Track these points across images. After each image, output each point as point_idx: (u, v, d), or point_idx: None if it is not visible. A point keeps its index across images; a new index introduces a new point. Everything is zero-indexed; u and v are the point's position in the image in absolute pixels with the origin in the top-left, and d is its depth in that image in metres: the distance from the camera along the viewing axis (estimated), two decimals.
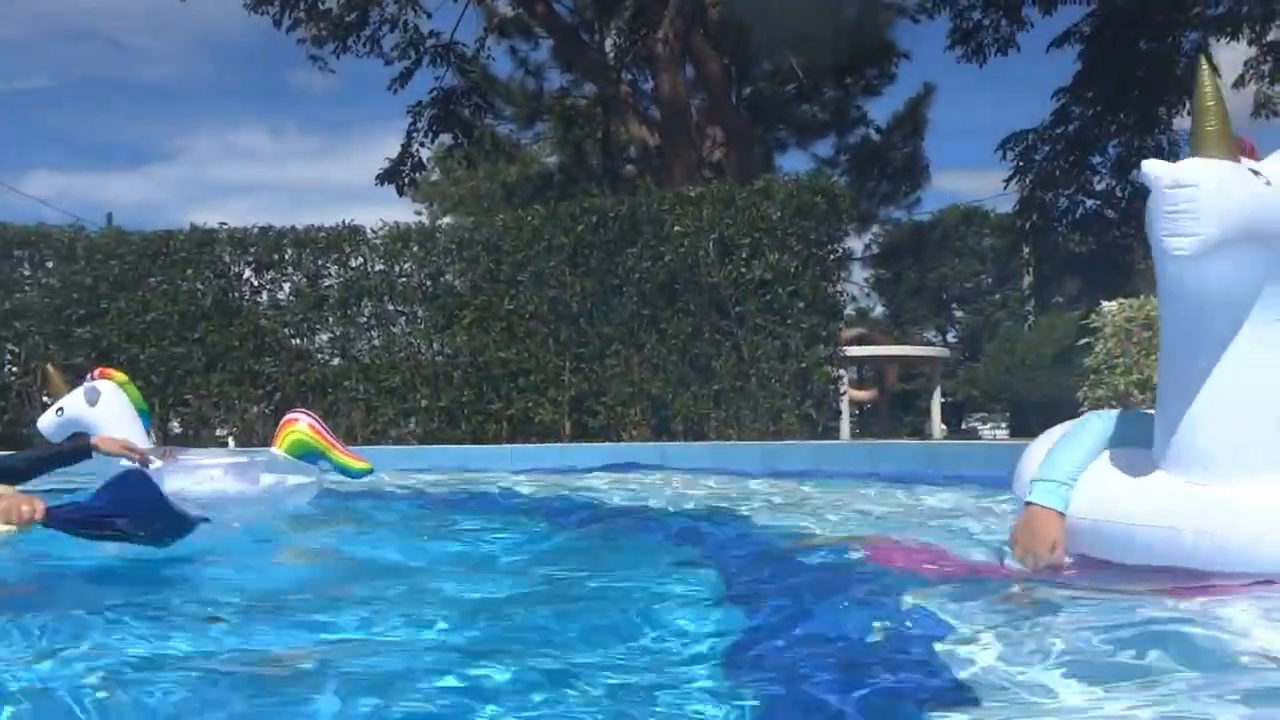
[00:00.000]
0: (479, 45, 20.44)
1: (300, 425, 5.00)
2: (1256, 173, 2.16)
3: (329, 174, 71.92)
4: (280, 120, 75.00)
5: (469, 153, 20.88)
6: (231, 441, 10.75)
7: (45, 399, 5.29)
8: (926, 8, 19.98)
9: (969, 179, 73.25)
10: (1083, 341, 8.99)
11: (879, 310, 39.39)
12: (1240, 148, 2.19)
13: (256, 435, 10.60)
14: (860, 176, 25.84)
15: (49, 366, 5.82)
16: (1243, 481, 2.16)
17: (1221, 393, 2.18)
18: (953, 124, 55.15)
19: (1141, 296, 8.66)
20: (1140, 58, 19.35)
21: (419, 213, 35.20)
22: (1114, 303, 8.55)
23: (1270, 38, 19.06)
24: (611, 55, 21.93)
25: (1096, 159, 20.09)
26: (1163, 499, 2.23)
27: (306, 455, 4.96)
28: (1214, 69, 2.29)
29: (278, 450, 4.97)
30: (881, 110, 26.79)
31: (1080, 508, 2.37)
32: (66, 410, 5.12)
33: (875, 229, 29.56)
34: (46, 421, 5.20)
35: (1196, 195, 2.03)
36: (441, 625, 2.00)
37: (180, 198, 71.32)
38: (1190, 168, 2.07)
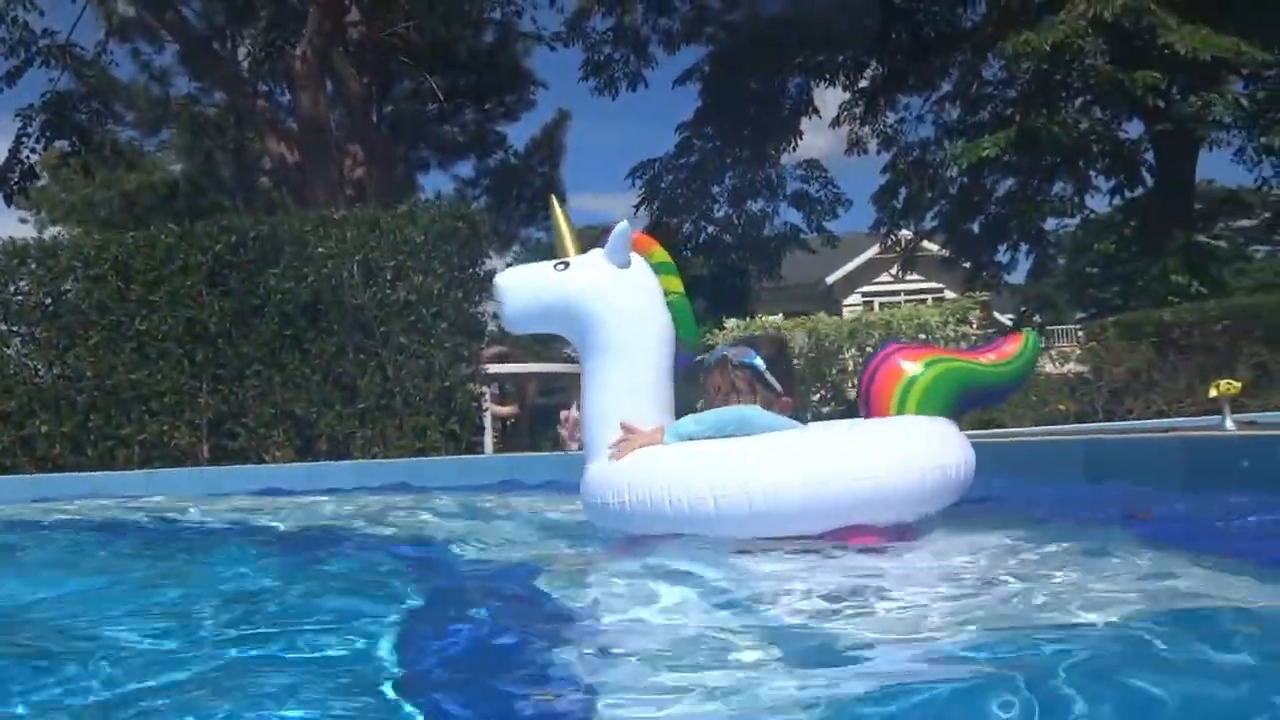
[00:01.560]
0: (99, 48, 19.26)
1: None
2: (564, 265, 3.24)
3: None
4: None
5: (86, 160, 19.59)
6: None
7: None
8: (561, 37, 20.91)
9: (610, 200, 76.48)
10: (700, 358, 9.96)
11: None
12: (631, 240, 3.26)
13: None
14: (501, 197, 26.57)
15: None
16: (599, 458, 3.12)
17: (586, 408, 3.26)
18: (596, 147, 57.44)
19: (756, 317, 9.75)
20: (752, 98, 21.16)
21: (24, 220, 32.32)
22: (732, 321, 9.54)
23: (861, 84, 21.39)
24: (245, 66, 21.30)
25: (715, 188, 21.78)
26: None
27: None
28: (562, 207, 3.47)
29: None
30: (521, 134, 27.69)
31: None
32: None
33: (516, 248, 30.35)
34: None
35: (502, 290, 3.24)
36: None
37: None
38: (502, 278, 3.30)
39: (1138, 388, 9.48)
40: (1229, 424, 4.01)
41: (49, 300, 10.58)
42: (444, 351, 10.02)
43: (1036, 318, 24.32)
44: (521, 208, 27.15)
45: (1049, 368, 12.69)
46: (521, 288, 3.21)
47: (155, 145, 29.89)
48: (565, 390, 19.10)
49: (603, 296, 3.15)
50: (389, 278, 10.03)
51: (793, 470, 2.68)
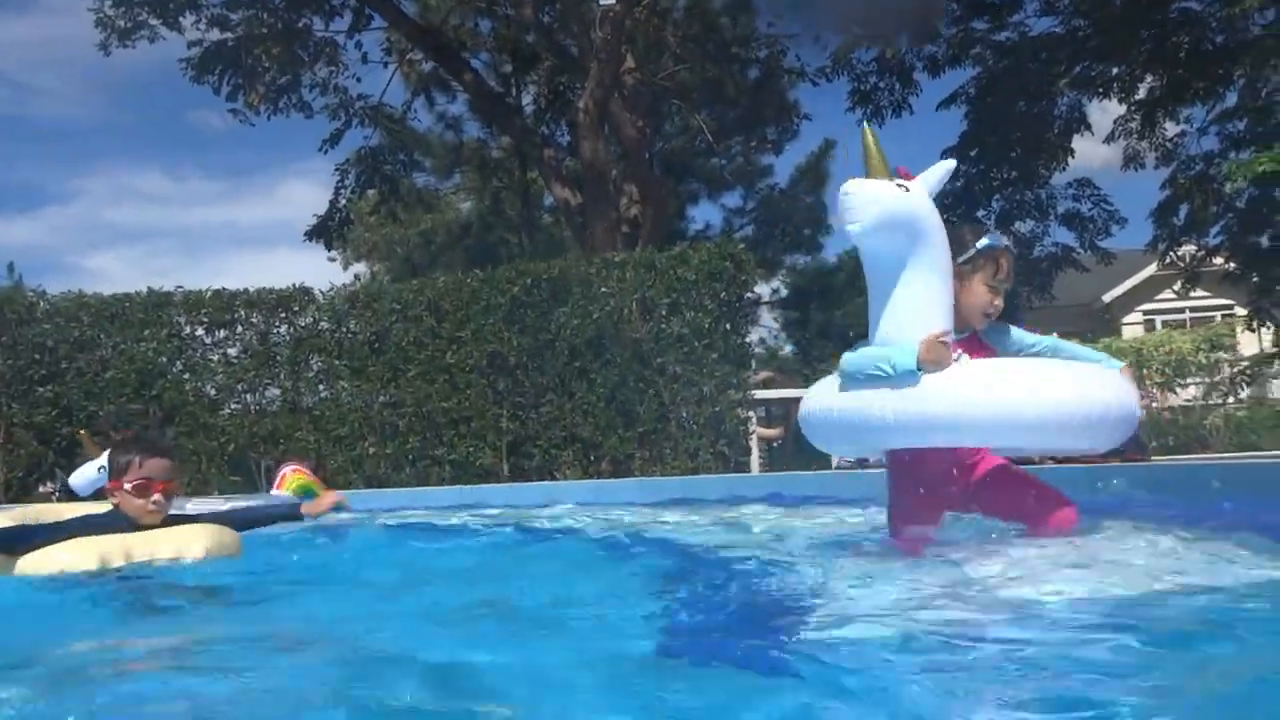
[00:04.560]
0: (405, 106, 21.54)
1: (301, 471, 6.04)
2: (904, 186, 3.42)
3: (228, 217, 71.68)
4: (178, 163, 74.47)
5: (393, 207, 21.90)
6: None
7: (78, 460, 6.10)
8: (825, 72, 21.42)
9: None
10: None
11: (788, 350, 40.98)
12: (897, 173, 3.50)
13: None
14: (766, 226, 27.41)
15: (81, 432, 6.69)
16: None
17: (891, 316, 3.45)
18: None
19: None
20: (1019, 119, 20.93)
21: (332, 259, 35.98)
22: None
23: (1138, 97, 20.68)
24: (530, 113, 23.15)
25: (982, 212, 21.61)
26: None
27: (309, 494, 5.98)
28: (874, 133, 3.59)
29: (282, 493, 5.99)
30: (787, 163, 28.46)
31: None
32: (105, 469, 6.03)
33: (783, 274, 31.11)
34: (82, 478, 6.10)
35: (857, 198, 3.37)
36: None
37: (76, 241, 70.46)
38: (857, 184, 3.42)
39: None
40: None
41: (375, 338, 12.18)
42: (714, 380, 10.88)
43: None
44: (788, 233, 27.88)
45: None
46: (873, 199, 3.34)
47: (449, 188, 32.57)
48: None
49: (935, 218, 3.44)
50: (664, 313, 10.99)
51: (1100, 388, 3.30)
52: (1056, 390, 3.24)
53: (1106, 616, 2.29)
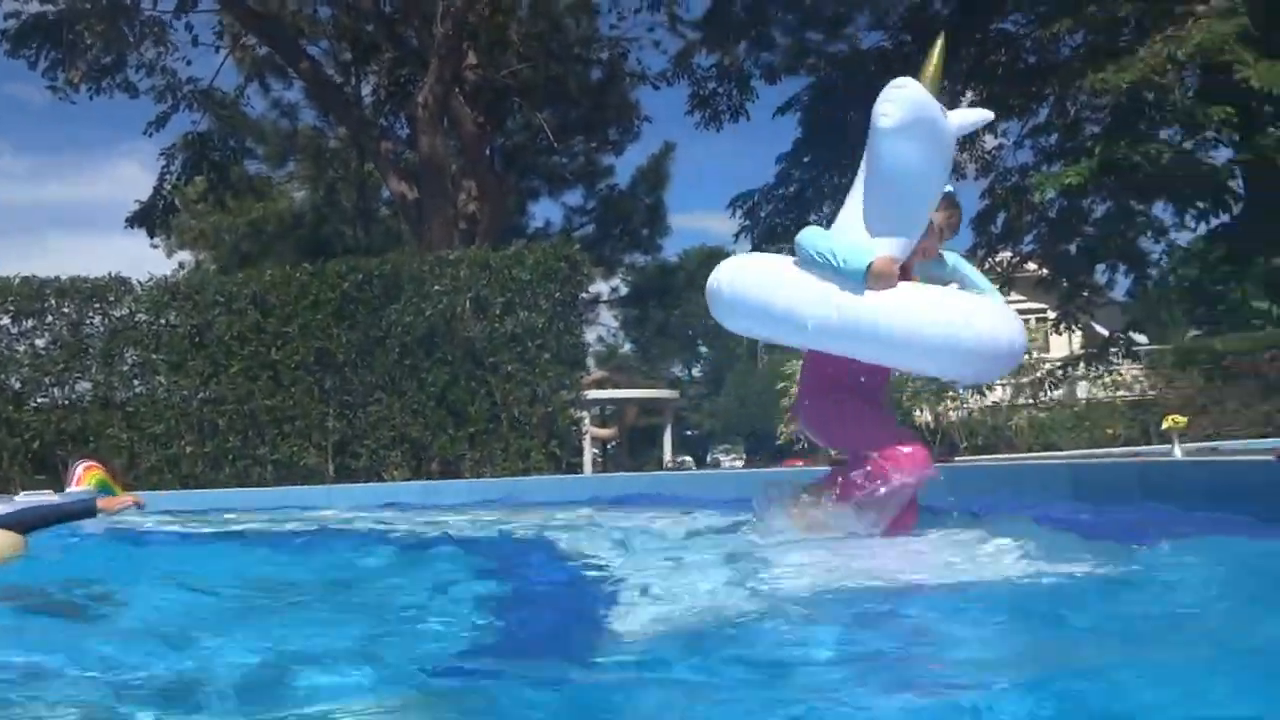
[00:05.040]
0: (238, 92, 20.79)
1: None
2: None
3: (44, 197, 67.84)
4: None
5: (222, 195, 21.14)
6: None
7: None
8: (666, 76, 21.68)
9: (713, 220, 76.95)
10: (780, 385, 10.66)
11: (628, 348, 41.32)
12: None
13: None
14: (606, 225, 27.56)
15: None
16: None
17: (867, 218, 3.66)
18: (700, 172, 58.23)
19: None
20: (851, 128, 21.50)
21: (155, 245, 34.43)
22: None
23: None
24: (369, 104, 22.65)
25: (814, 218, 22.22)
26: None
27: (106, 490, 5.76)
28: (945, 48, 3.88)
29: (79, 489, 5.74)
30: (628, 163, 28.65)
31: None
32: None
33: (622, 272, 31.29)
34: None
35: (905, 93, 3.57)
36: None
37: None
38: (909, 82, 3.63)
39: (1192, 411, 9.87)
40: (1177, 452, 4.60)
41: (195, 332, 11.73)
42: (547, 380, 10.88)
43: (1140, 336, 24.19)
44: (628, 233, 28.08)
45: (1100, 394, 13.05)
46: (920, 104, 3.59)
47: (282, 176, 31.58)
48: (662, 414, 19.99)
49: (951, 154, 3.83)
50: (498, 312, 10.93)
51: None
52: (989, 324, 3.51)
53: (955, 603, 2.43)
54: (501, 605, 2.88)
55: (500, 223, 20.00)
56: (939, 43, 3.83)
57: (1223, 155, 15.02)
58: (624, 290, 32.90)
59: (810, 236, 3.67)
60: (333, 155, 28.18)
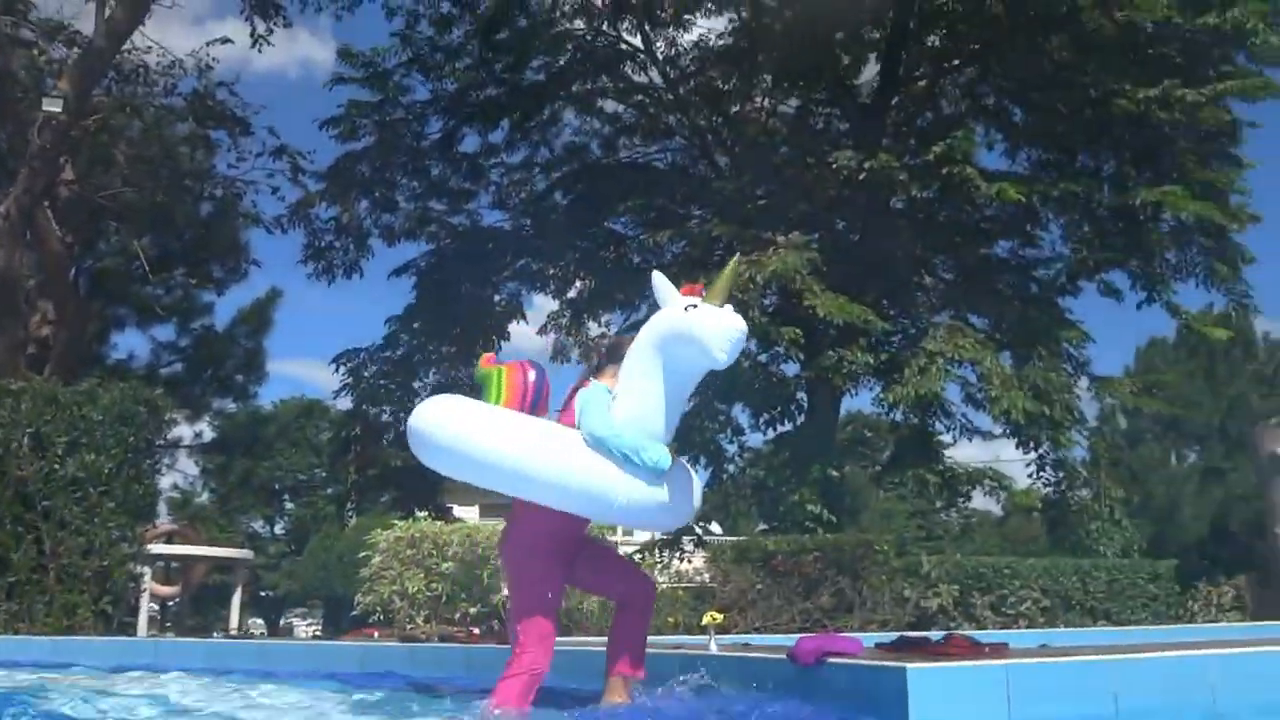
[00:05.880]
0: None
1: None
2: (694, 305, 4.08)
3: None
4: None
5: None
6: None
7: None
8: (282, 222, 21.26)
9: (315, 371, 75.14)
10: (362, 554, 10.44)
11: (205, 497, 38.69)
12: (692, 290, 4.19)
13: None
14: (199, 365, 26.12)
15: None
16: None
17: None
18: (320, 319, 56.96)
19: (410, 519, 10.30)
20: (463, 299, 21.98)
21: None
22: (388, 531, 10.02)
23: (569, 296, 22.58)
24: None
25: (418, 384, 22.25)
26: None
27: None
28: (734, 271, 4.50)
29: None
30: (230, 304, 27.51)
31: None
32: None
33: (209, 417, 29.59)
34: None
35: (741, 337, 4.08)
36: None
37: None
38: (743, 325, 4.11)
39: (744, 604, 10.85)
40: (713, 646, 5.10)
41: None
42: (108, 530, 9.97)
43: (715, 526, 25.96)
44: (219, 379, 26.75)
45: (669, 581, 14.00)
46: (728, 324, 4.03)
47: None
48: (235, 572, 18.76)
49: None
50: (60, 452, 9.96)
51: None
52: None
53: None
54: None
55: (76, 351, 18.41)
56: (731, 263, 4.42)
57: (792, 369, 16.84)
58: (209, 435, 31.05)
59: (615, 439, 4.00)
60: None
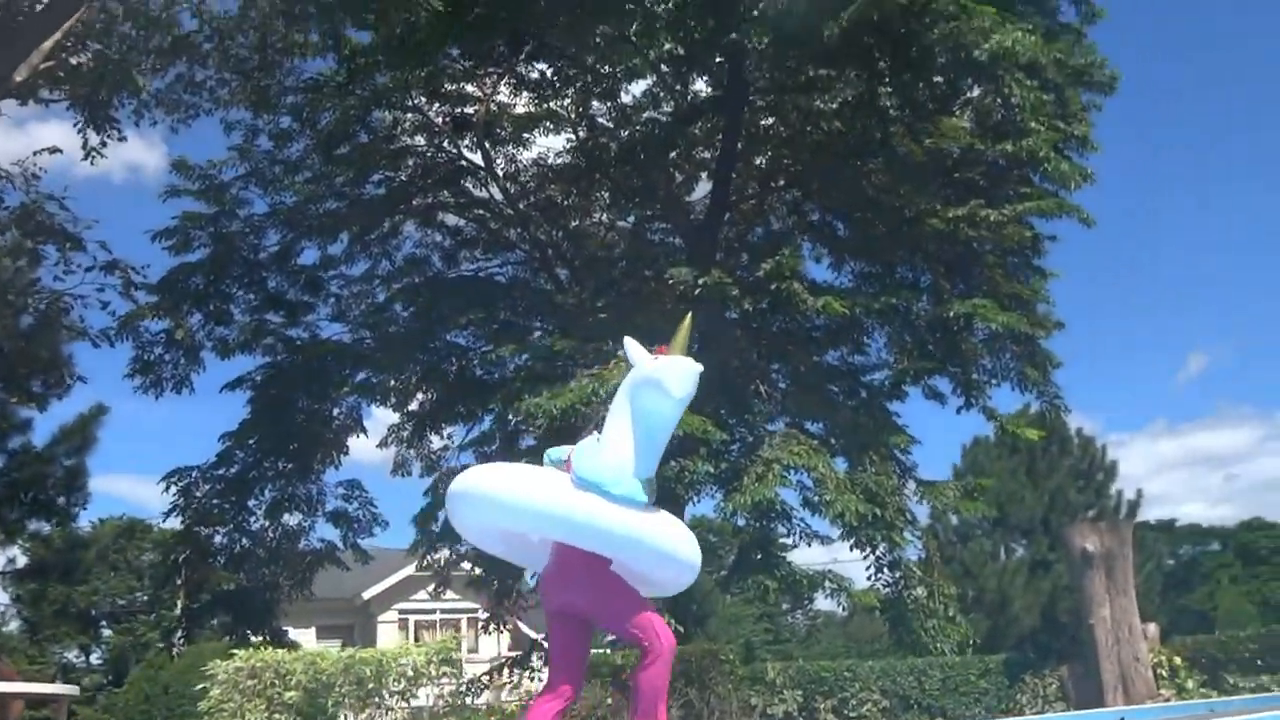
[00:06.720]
0: None
1: None
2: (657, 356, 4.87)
3: None
4: None
5: None
6: None
7: None
8: (109, 335, 20.51)
9: (142, 489, 71.69)
10: (200, 686, 10.01)
11: (13, 626, 36.12)
12: (661, 352, 4.90)
13: None
14: (14, 486, 24.61)
15: None
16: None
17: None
18: (147, 434, 54.40)
19: (252, 648, 9.98)
20: (300, 413, 21.52)
21: None
22: (227, 661, 9.68)
23: (410, 408, 22.28)
24: None
25: (254, 501, 21.54)
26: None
27: None
28: (691, 324, 5.22)
29: None
30: (50, 421, 26.12)
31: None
32: None
33: (23, 541, 27.77)
34: None
35: (695, 374, 5.00)
36: None
37: None
38: (695, 365, 5.04)
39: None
40: None
41: None
42: None
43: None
44: (36, 500, 25.25)
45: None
46: (683, 369, 4.91)
47: None
48: (55, 707, 17.42)
49: None
50: None
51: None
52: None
53: None
54: None
55: None
56: (686, 321, 5.16)
57: None
58: (21, 561, 29.14)
59: (608, 481, 4.54)
60: None
